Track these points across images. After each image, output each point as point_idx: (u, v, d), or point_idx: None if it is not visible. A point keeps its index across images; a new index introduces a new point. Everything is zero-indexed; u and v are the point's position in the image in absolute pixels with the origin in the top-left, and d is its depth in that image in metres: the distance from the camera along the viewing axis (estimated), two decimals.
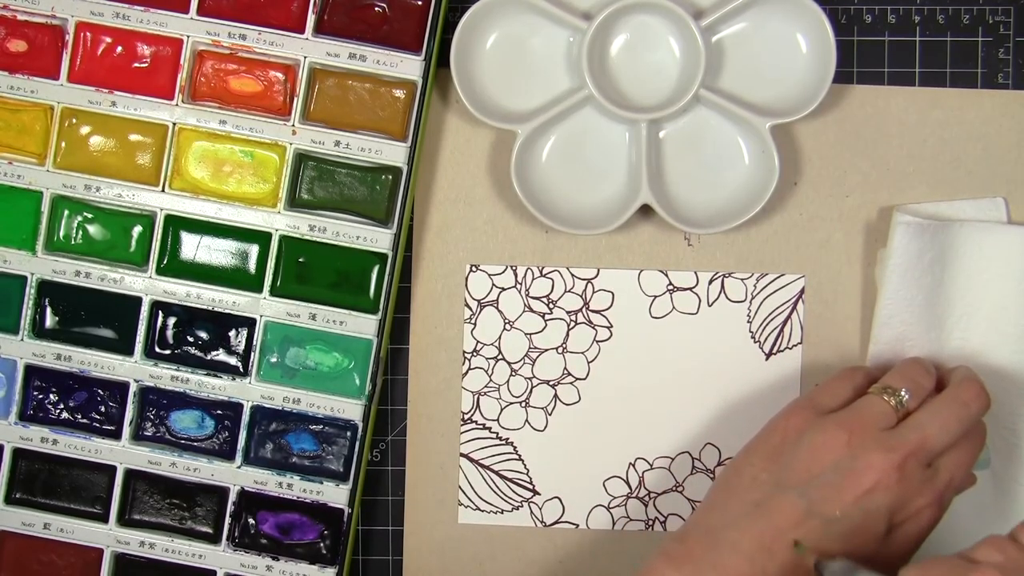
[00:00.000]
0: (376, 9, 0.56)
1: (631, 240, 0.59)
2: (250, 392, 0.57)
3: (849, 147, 0.59)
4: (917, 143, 0.59)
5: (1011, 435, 0.56)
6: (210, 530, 0.57)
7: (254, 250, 0.56)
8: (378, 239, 0.56)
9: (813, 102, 0.55)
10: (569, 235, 0.59)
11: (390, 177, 0.56)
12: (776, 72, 0.57)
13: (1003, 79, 0.59)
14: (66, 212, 0.56)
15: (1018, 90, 0.59)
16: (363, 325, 0.56)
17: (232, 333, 0.57)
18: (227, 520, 0.57)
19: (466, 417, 0.60)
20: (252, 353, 0.56)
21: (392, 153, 0.56)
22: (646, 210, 0.57)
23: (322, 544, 0.57)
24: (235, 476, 0.57)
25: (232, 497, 0.57)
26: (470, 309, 0.59)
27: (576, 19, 0.56)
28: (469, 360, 0.59)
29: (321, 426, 0.57)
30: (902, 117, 0.59)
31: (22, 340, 0.57)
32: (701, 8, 0.56)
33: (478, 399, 0.59)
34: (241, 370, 0.57)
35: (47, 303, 0.56)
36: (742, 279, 0.59)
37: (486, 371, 0.60)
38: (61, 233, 0.56)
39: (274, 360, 0.56)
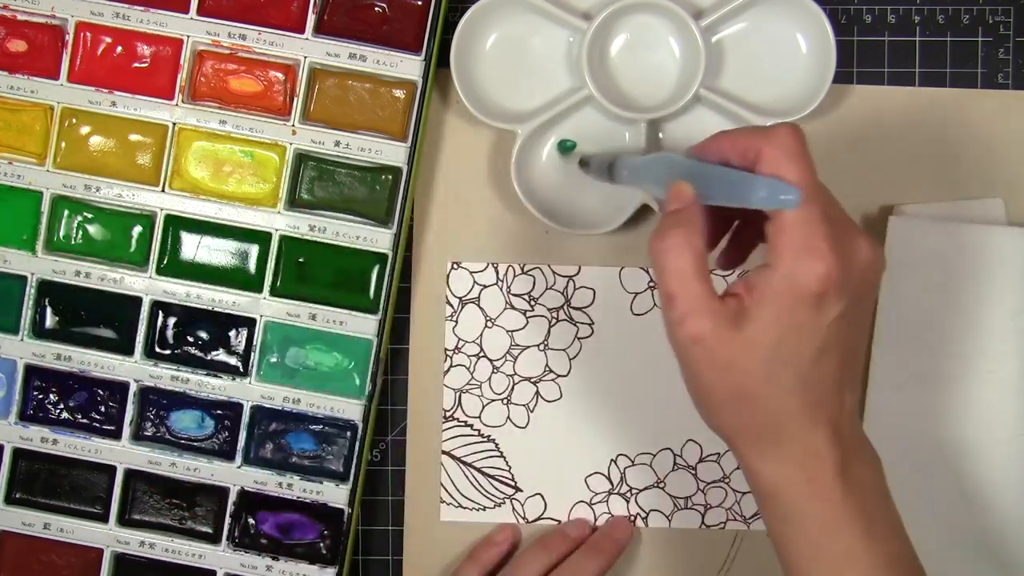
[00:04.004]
0: (376, 9, 0.56)
1: (631, 240, 0.59)
2: (250, 392, 0.57)
3: (849, 147, 0.59)
4: (917, 143, 0.59)
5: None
6: (210, 530, 0.57)
7: (254, 250, 0.56)
8: (378, 239, 0.56)
9: (813, 102, 0.55)
10: (569, 235, 0.59)
11: (390, 177, 0.56)
12: (776, 72, 0.57)
13: (1003, 79, 0.59)
14: (66, 212, 0.56)
15: (1018, 90, 0.59)
16: (363, 325, 0.56)
17: (232, 333, 0.57)
18: (227, 520, 0.57)
19: (448, 414, 0.60)
20: (252, 353, 0.56)
21: (392, 153, 0.56)
22: (646, 210, 0.57)
23: (322, 544, 0.57)
24: (235, 476, 0.57)
25: (232, 497, 0.57)
26: (451, 307, 0.59)
27: (576, 19, 0.56)
28: (451, 357, 0.60)
29: (321, 426, 0.57)
30: (902, 117, 0.59)
31: (22, 340, 0.57)
32: (701, 8, 0.56)
33: (460, 396, 0.60)
34: (241, 370, 0.57)
35: (47, 303, 0.56)
36: (724, 276, 0.59)
37: (468, 368, 0.60)
38: (61, 233, 0.56)
39: (274, 360, 0.56)
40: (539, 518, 0.60)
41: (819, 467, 0.42)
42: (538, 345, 0.60)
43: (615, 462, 0.60)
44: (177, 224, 0.56)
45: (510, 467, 0.60)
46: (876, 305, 0.47)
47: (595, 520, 0.60)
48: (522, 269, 0.59)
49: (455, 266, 0.59)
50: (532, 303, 0.60)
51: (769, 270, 0.41)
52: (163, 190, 0.56)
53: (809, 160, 0.41)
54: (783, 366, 0.41)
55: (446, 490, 0.60)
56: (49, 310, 0.57)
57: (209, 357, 0.57)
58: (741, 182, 0.41)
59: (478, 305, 0.60)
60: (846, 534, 0.42)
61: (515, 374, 0.60)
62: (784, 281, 0.40)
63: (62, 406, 0.57)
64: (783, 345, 0.41)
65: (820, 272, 0.40)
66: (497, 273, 0.59)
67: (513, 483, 0.60)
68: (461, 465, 0.60)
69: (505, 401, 0.60)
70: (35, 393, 0.57)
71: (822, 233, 0.40)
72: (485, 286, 0.60)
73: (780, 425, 0.42)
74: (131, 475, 0.57)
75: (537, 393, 0.60)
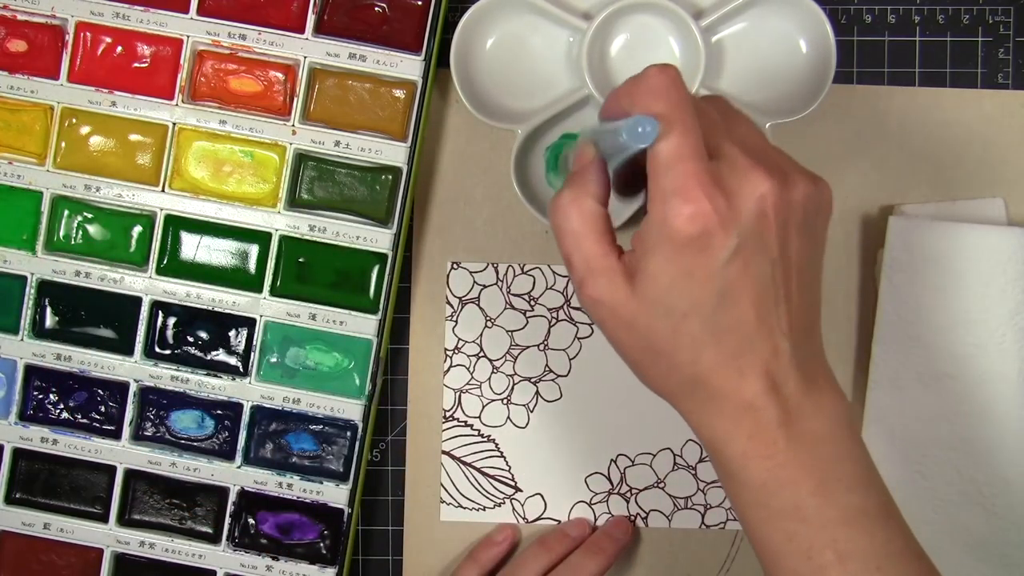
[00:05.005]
0: (376, 9, 0.56)
1: (630, 240, 0.59)
2: (250, 392, 0.57)
3: (849, 147, 0.59)
4: (917, 143, 0.59)
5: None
6: (210, 530, 0.57)
7: (254, 250, 0.56)
8: (378, 239, 0.56)
9: (813, 102, 0.55)
10: None
11: (390, 177, 0.56)
12: (776, 72, 0.57)
13: (1003, 79, 0.59)
14: (66, 212, 0.56)
15: (1018, 90, 0.59)
16: (363, 325, 0.56)
17: (232, 333, 0.57)
18: (227, 520, 0.57)
19: (448, 414, 0.60)
20: (252, 353, 0.56)
21: (392, 153, 0.56)
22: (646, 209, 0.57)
23: (322, 544, 0.57)
24: (235, 476, 0.57)
25: (232, 497, 0.57)
26: (451, 307, 0.59)
27: (576, 19, 0.56)
28: (451, 357, 0.60)
29: (321, 426, 0.57)
30: (902, 117, 0.59)
31: (22, 340, 0.57)
32: (701, 8, 0.56)
33: (459, 396, 0.60)
34: (241, 370, 0.57)
35: (47, 303, 0.56)
36: None
37: (468, 368, 0.60)
38: (61, 233, 0.56)
39: (274, 360, 0.56)
40: (539, 518, 0.60)
41: (757, 422, 0.40)
42: (538, 345, 0.60)
43: (615, 462, 0.60)
44: (177, 224, 0.56)
45: (510, 467, 0.60)
46: (812, 247, 0.41)
47: (595, 520, 0.60)
48: (522, 269, 0.59)
49: (455, 266, 0.59)
50: (532, 303, 0.60)
51: (647, 217, 0.39)
52: (163, 190, 0.56)
53: (678, 95, 0.39)
54: (683, 317, 0.39)
55: (446, 490, 0.60)
56: (49, 310, 0.57)
57: (209, 357, 0.57)
58: (612, 129, 0.39)
59: (478, 305, 0.60)
60: (792, 492, 0.40)
61: (515, 374, 0.60)
62: (658, 228, 0.39)
63: (62, 406, 0.57)
64: (676, 294, 0.39)
65: (688, 213, 0.38)
66: (497, 273, 0.59)
67: (513, 483, 0.60)
68: (461, 465, 0.60)
69: (505, 401, 0.60)
70: (35, 393, 0.57)
71: (691, 171, 0.38)
72: (485, 286, 0.60)
73: (702, 379, 0.40)
74: (131, 475, 0.57)
75: (537, 393, 0.60)
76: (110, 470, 0.57)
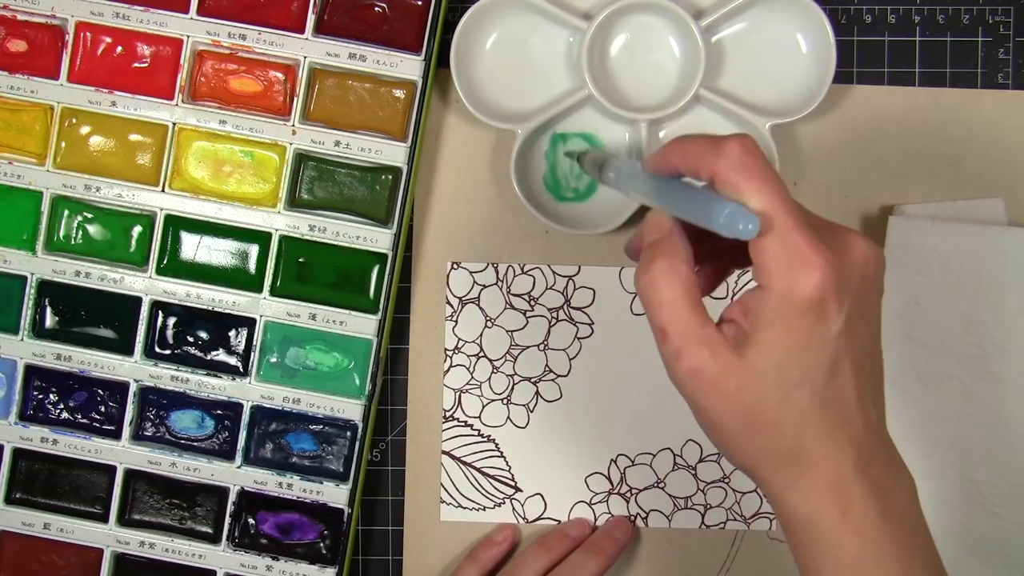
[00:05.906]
0: (376, 9, 0.56)
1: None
2: (250, 392, 0.57)
3: (849, 147, 0.59)
4: (917, 143, 0.59)
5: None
6: (210, 530, 0.57)
7: (254, 250, 0.56)
8: (378, 239, 0.56)
9: (813, 102, 0.55)
10: (569, 235, 0.59)
11: (390, 177, 0.56)
12: (776, 72, 0.57)
13: (1003, 79, 0.59)
14: (66, 212, 0.56)
15: (1018, 90, 0.59)
16: (363, 325, 0.56)
17: (232, 333, 0.57)
18: (227, 520, 0.57)
19: (448, 414, 0.60)
20: (252, 353, 0.56)
21: (392, 153, 0.56)
22: (646, 210, 0.57)
23: (322, 544, 0.57)
24: (235, 476, 0.57)
25: (232, 497, 0.57)
26: (451, 307, 0.59)
27: (576, 19, 0.56)
28: (451, 357, 0.60)
29: (321, 426, 0.57)
30: (902, 117, 0.59)
31: (22, 340, 0.57)
32: (701, 8, 0.56)
33: (459, 396, 0.60)
34: (241, 370, 0.57)
35: (47, 303, 0.56)
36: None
37: (467, 368, 0.60)
38: (61, 233, 0.56)
39: (274, 360, 0.56)
40: (539, 518, 0.60)
41: (850, 496, 0.39)
42: (538, 345, 0.60)
43: (615, 462, 0.60)
44: (177, 224, 0.56)
45: (510, 467, 0.60)
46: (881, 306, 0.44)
47: (595, 520, 0.60)
48: (522, 269, 0.59)
49: (455, 266, 0.59)
50: (532, 303, 0.60)
51: (763, 291, 0.39)
52: (163, 190, 0.56)
53: (766, 172, 0.38)
54: (796, 387, 0.39)
55: (446, 490, 0.60)
56: (49, 310, 0.57)
57: (209, 357, 0.57)
58: (702, 205, 0.39)
59: (478, 305, 0.60)
60: (882, 569, 0.39)
61: (515, 374, 0.60)
62: (781, 299, 0.38)
63: (62, 406, 0.57)
64: (792, 365, 0.38)
65: (815, 281, 0.37)
66: (497, 273, 0.59)
67: (513, 483, 0.60)
68: (461, 465, 0.60)
69: (505, 401, 0.60)
70: (35, 393, 0.57)
71: (806, 240, 0.38)
72: (485, 286, 0.60)
73: (801, 451, 0.39)
74: (131, 475, 0.57)
75: (537, 393, 0.60)
76: (110, 470, 0.57)
